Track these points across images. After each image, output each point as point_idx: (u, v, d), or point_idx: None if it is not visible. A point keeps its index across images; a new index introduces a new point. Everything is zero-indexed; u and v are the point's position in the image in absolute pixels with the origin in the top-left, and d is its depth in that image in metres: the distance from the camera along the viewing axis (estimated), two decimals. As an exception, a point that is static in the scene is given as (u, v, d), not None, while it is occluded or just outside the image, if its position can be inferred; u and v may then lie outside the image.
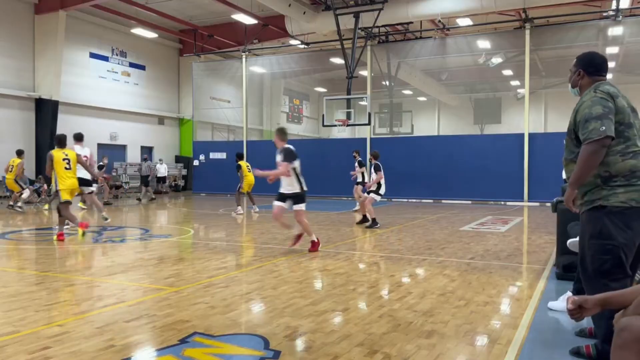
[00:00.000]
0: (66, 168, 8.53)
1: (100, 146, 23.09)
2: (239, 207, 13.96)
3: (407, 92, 28.17)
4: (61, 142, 8.82)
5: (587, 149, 3.04)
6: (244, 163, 14.27)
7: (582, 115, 3.13)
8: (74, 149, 9.49)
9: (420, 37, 21.37)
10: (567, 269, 5.40)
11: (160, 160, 24.60)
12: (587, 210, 3.20)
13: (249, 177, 13.93)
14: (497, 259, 6.99)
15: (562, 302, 4.42)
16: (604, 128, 2.99)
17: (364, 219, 11.16)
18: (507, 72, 24.87)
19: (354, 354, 3.33)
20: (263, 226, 11.06)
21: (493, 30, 20.56)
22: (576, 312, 2.05)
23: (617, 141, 3.07)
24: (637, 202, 3.02)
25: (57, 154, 8.57)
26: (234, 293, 4.98)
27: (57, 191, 8.62)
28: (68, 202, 8.57)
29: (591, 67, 3.34)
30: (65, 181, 8.49)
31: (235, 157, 14.60)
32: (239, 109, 24.72)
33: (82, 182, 9.65)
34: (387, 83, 23.52)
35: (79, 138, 10.77)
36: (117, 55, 23.92)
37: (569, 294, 4.50)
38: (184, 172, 26.89)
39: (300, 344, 3.56)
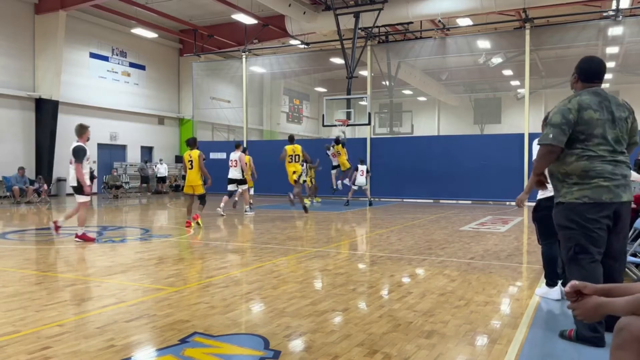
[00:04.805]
0: (189, 168, 10.88)
1: (100, 146, 23.11)
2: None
3: (407, 92, 28.17)
4: (189, 143, 11.02)
5: (539, 150, 3.56)
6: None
7: (548, 118, 3.60)
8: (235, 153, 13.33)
9: (420, 37, 21.37)
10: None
11: (160, 160, 24.64)
12: (554, 205, 3.69)
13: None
14: (497, 259, 6.99)
15: (544, 289, 4.90)
16: (551, 136, 3.44)
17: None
18: (507, 72, 24.86)
19: (354, 354, 3.33)
20: (263, 226, 11.06)
21: (493, 30, 20.55)
22: (572, 296, 2.04)
23: (577, 146, 3.48)
24: (590, 198, 3.44)
25: (185, 155, 11.03)
26: (234, 293, 4.98)
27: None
28: (187, 195, 11.05)
29: (584, 74, 3.67)
30: (186, 177, 11.04)
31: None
32: (239, 109, 24.71)
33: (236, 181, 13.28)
34: (387, 83, 23.51)
35: (237, 146, 13.67)
36: (117, 55, 23.92)
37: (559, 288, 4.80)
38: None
39: (300, 344, 3.57)
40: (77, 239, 8.31)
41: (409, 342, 3.55)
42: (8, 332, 3.71)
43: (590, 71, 3.64)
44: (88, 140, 8.60)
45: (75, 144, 8.35)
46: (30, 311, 4.26)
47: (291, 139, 13.95)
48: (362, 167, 16.54)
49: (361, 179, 16.42)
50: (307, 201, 15.56)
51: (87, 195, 8.43)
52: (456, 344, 3.56)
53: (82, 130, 8.45)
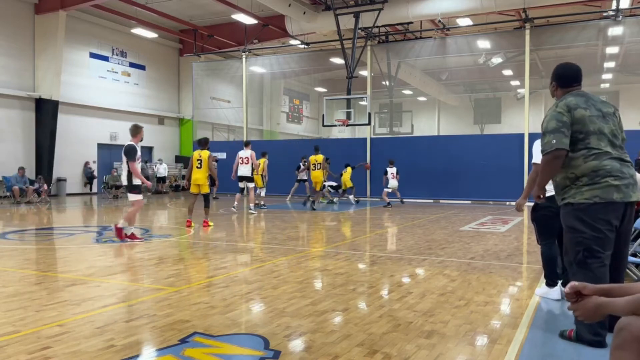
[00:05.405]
0: (197, 167, 10.74)
1: (100, 146, 23.12)
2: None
3: (407, 92, 28.16)
4: (200, 143, 10.92)
5: (543, 160, 3.51)
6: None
7: (542, 128, 3.56)
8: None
9: (420, 37, 21.37)
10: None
11: (160, 160, 24.63)
12: (561, 207, 3.60)
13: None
14: (497, 259, 6.99)
15: (544, 289, 4.87)
16: (554, 141, 3.40)
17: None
18: (507, 72, 24.86)
19: (354, 354, 3.33)
20: (263, 226, 11.06)
21: (493, 30, 20.55)
22: (572, 297, 2.04)
23: (579, 147, 3.44)
24: (601, 198, 3.37)
25: (194, 154, 10.80)
26: (234, 293, 4.98)
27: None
28: (191, 194, 10.97)
29: (560, 80, 3.70)
30: (192, 176, 10.79)
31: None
32: (239, 109, 24.71)
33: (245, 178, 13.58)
34: (387, 83, 23.51)
35: (246, 144, 14.29)
36: (117, 55, 23.93)
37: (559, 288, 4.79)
38: (184, 172, 26.90)
39: (300, 344, 3.57)
40: (126, 239, 8.30)
41: (409, 342, 3.55)
42: (8, 332, 3.71)
43: (567, 76, 3.66)
44: (141, 140, 8.73)
45: (127, 143, 8.45)
46: (30, 311, 4.26)
47: (316, 150, 16.00)
48: (391, 170, 16.58)
49: (393, 181, 16.54)
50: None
51: (146, 187, 8.91)
52: (456, 344, 3.56)
53: (136, 130, 8.56)
